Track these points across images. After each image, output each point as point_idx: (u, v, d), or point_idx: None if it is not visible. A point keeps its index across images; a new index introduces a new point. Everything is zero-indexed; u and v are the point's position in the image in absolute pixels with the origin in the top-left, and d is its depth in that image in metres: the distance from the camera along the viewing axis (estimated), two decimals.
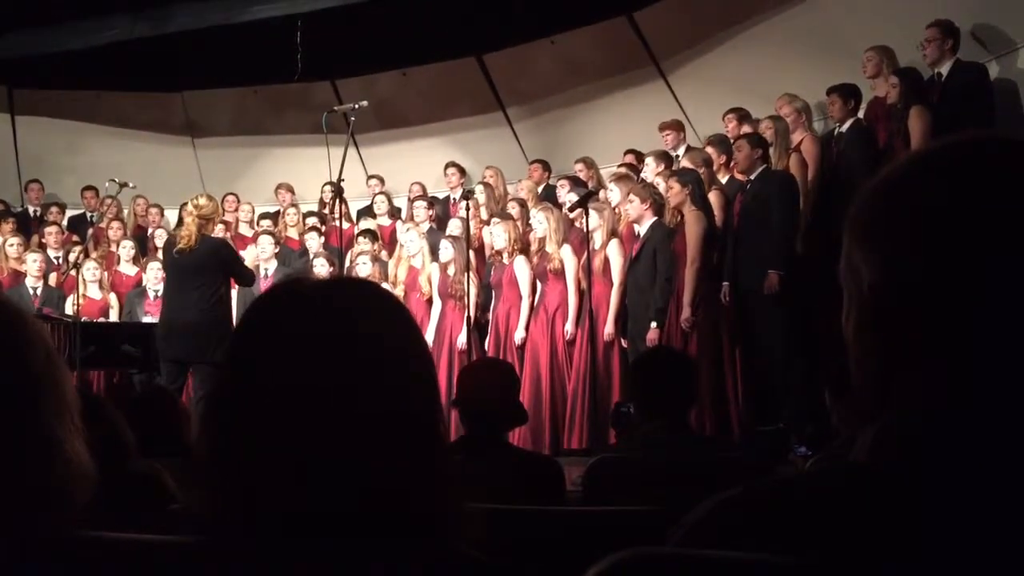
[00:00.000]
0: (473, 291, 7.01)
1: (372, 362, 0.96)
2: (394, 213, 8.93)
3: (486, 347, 7.07)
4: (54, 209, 9.41)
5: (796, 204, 6.01)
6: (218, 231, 8.26)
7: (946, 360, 0.73)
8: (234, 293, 7.74)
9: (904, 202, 0.76)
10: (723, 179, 6.64)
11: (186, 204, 6.18)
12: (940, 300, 0.73)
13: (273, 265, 7.95)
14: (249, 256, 8.33)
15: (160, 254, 7.04)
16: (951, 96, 5.80)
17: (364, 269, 7.48)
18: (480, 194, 8.00)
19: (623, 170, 7.42)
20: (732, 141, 6.50)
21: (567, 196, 7.38)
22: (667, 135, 7.71)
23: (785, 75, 7.32)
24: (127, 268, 8.48)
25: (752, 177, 6.09)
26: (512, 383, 3.04)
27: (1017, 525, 0.67)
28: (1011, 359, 0.71)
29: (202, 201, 6.07)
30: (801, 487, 0.76)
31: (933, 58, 5.96)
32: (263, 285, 7.82)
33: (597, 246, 6.54)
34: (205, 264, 5.93)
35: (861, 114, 6.45)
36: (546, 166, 8.62)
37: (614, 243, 6.54)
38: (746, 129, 6.88)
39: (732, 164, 6.85)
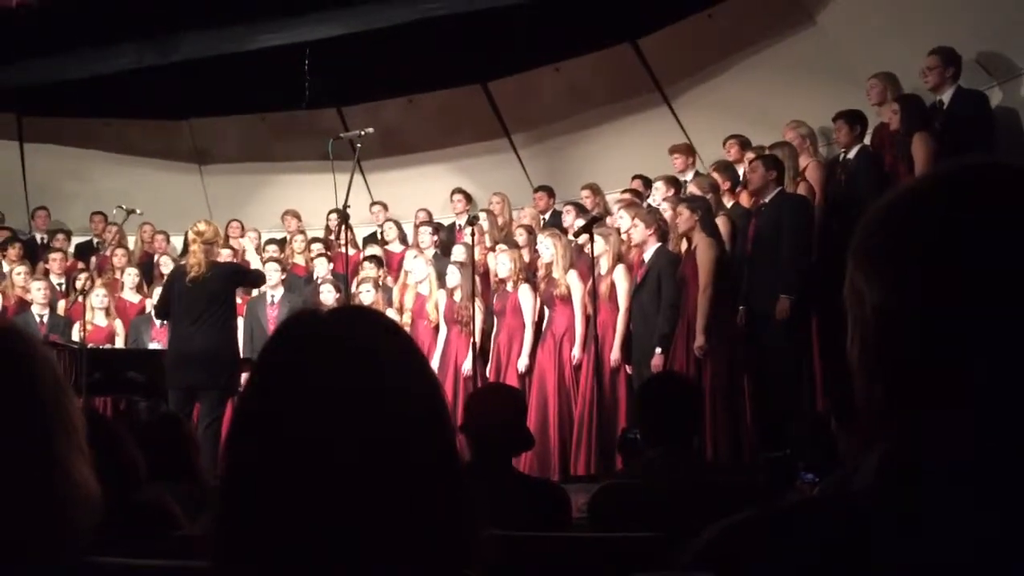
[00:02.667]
0: (479, 317, 7.02)
1: (384, 397, 0.96)
2: (404, 239, 8.95)
3: (487, 375, 7.07)
4: (60, 236, 9.45)
5: (809, 229, 6.00)
6: (225, 256, 8.30)
7: (949, 385, 0.73)
8: (240, 321, 7.78)
9: (906, 227, 0.77)
10: (728, 203, 6.65)
11: (188, 232, 6.24)
12: (942, 324, 0.73)
13: (280, 292, 7.97)
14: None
15: (165, 281, 7.06)
16: (953, 123, 5.82)
17: (367, 296, 7.49)
18: (484, 220, 8.03)
19: (628, 196, 7.44)
20: (748, 162, 6.50)
21: (574, 222, 7.40)
22: (676, 158, 7.74)
23: (790, 101, 7.35)
24: (131, 295, 8.51)
25: (766, 200, 6.09)
26: (519, 408, 3.04)
27: (1018, 548, 0.67)
28: (1014, 383, 0.71)
29: (202, 227, 6.14)
30: (806, 513, 0.76)
31: (934, 85, 5.99)
32: (270, 312, 7.84)
33: (603, 271, 6.54)
34: (216, 291, 5.96)
35: (867, 140, 6.47)
36: (551, 193, 8.65)
37: (620, 268, 6.54)
38: (749, 155, 6.90)
39: (737, 190, 6.87)
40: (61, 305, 8.15)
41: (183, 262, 6.51)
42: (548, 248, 6.83)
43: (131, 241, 9.48)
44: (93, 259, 8.98)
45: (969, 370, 0.72)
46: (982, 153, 5.42)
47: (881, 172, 6.11)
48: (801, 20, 7.66)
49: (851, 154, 6.32)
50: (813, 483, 4.87)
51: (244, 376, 6.18)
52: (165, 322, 6.68)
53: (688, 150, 7.86)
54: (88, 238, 9.77)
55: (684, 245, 6.11)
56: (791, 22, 7.71)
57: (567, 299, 6.72)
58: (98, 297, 7.91)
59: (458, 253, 7.64)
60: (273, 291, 7.97)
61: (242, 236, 9.40)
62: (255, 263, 8.72)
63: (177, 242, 9.19)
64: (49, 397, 1.02)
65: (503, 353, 6.96)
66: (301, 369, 0.98)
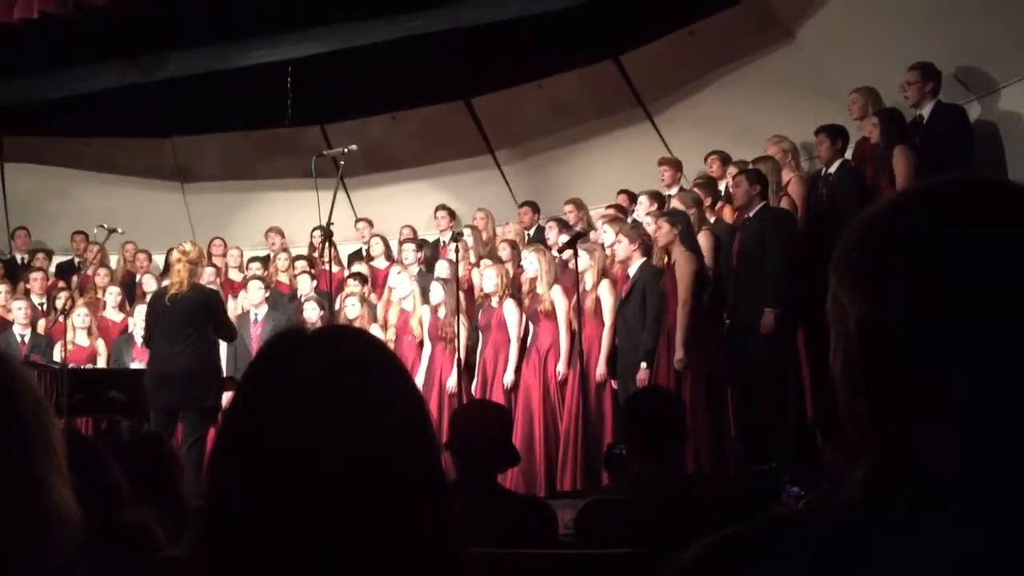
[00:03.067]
0: (463, 333, 7.01)
1: (370, 416, 0.96)
2: (390, 255, 8.94)
3: (473, 390, 7.06)
4: (40, 255, 9.39)
5: (793, 243, 6.03)
6: (208, 274, 8.27)
7: (931, 399, 0.73)
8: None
9: (887, 242, 0.77)
10: (710, 219, 6.68)
11: (172, 251, 6.22)
12: (923, 338, 0.73)
13: (264, 310, 7.93)
14: (240, 302, 8.32)
15: (147, 301, 7.02)
16: (932, 137, 5.88)
17: (352, 311, 7.47)
18: (469, 236, 8.03)
19: (612, 211, 7.47)
20: (732, 177, 6.53)
21: (558, 238, 7.41)
22: (665, 171, 7.78)
23: (771, 117, 7.40)
24: (113, 314, 8.46)
25: (751, 215, 6.12)
26: (505, 425, 3.03)
27: (998, 562, 0.67)
28: (998, 396, 0.71)
29: (188, 247, 6.13)
30: (791, 526, 0.76)
31: (914, 100, 6.05)
32: (253, 331, 7.80)
33: (588, 287, 6.55)
34: (195, 312, 5.94)
35: (849, 154, 6.52)
36: (535, 208, 8.67)
37: (605, 284, 6.56)
38: (731, 170, 6.94)
39: (718, 205, 6.91)
40: (42, 324, 8.09)
41: (164, 284, 6.49)
42: (532, 264, 6.84)
43: (113, 260, 9.43)
44: (75, 278, 8.92)
45: (950, 384, 0.72)
46: (962, 167, 5.49)
47: (863, 186, 6.16)
48: (781, 36, 7.73)
49: (832, 168, 6.37)
50: (799, 496, 4.88)
51: (227, 395, 6.18)
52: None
53: (676, 164, 7.91)
54: (69, 258, 9.71)
55: (666, 259, 6.14)
56: (771, 38, 7.78)
57: (551, 315, 6.72)
58: (80, 317, 7.86)
59: (441, 269, 7.63)
60: (257, 309, 7.94)
61: (225, 255, 9.37)
62: (238, 281, 8.70)
63: (160, 260, 9.15)
64: (29, 418, 1.01)
65: (489, 368, 6.95)
66: (286, 387, 0.98)
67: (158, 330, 6.12)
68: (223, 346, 7.83)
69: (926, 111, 6.01)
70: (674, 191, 7.54)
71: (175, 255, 6.12)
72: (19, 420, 1.00)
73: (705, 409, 5.73)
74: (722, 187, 7.17)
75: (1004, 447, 0.71)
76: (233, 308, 8.12)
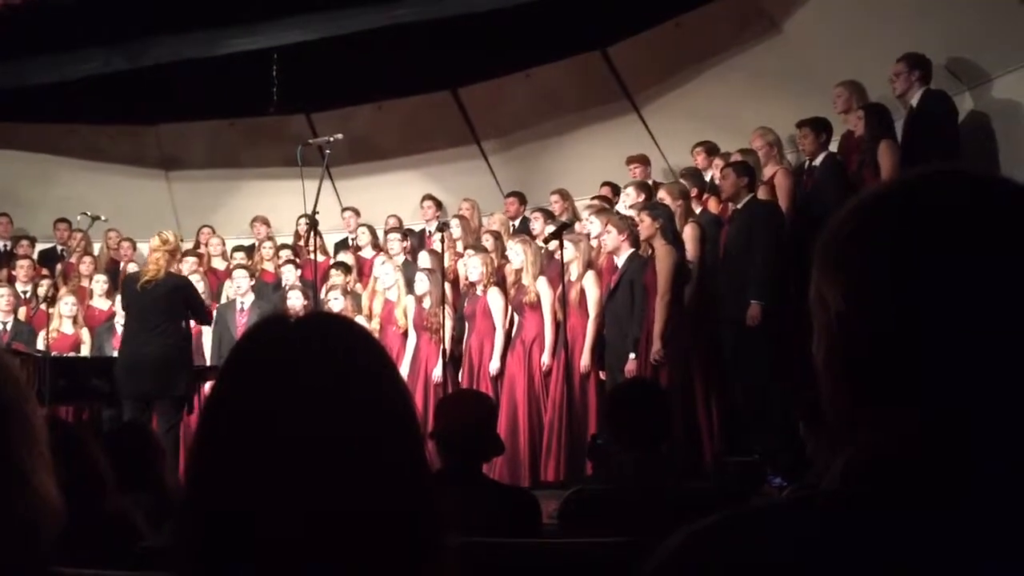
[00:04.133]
0: (448, 324, 7.01)
1: (354, 404, 0.95)
2: (377, 245, 8.92)
3: (460, 379, 7.06)
4: (24, 243, 9.32)
5: (779, 234, 6.05)
6: (190, 263, 8.24)
7: (913, 387, 0.74)
8: (208, 329, 7.71)
9: (864, 234, 0.78)
10: (696, 211, 6.69)
11: (152, 239, 6.23)
12: (905, 328, 0.74)
13: (250, 299, 7.90)
14: (226, 290, 8.29)
15: (121, 287, 7.01)
16: (920, 125, 5.90)
17: (336, 304, 7.46)
18: (455, 227, 8.02)
19: (598, 202, 7.47)
20: (719, 169, 6.55)
21: (543, 228, 7.41)
22: (635, 168, 7.84)
23: (757, 109, 7.41)
24: (100, 302, 8.41)
25: (738, 206, 6.13)
26: (489, 414, 3.04)
27: (989, 551, 0.68)
28: (978, 384, 0.72)
29: (169, 236, 6.12)
30: (774, 516, 0.76)
31: (902, 90, 6.07)
32: (239, 319, 7.78)
33: (573, 278, 6.56)
34: (170, 299, 5.93)
35: (834, 147, 6.54)
36: (522, 199, 8.66)
37: (590, 275, 6.56)
38: (717, 162, 6.95)
39: (704, 197, 6.92)
40: (23, 312, 8.04)
41: (138, 270, 6.48)
42: (518, 255, 6.84)
43: (96, 248, 9.37)
44: (59, 266, 8.86)
45: (935, 374, 0.73)
46: (949, 153, 5.49)
47: (847, 179, 6.18)
48: (767, 28, 7.74)
49: (817, 161, 6.39)
50: (781, 487, 4.91)
51: (210, 384, 6.16)
52: None
53: (645, 160, 7.99)
54: (51, 245, 9.64)
55: (650, 252, 6.15)
56: (757, 30, 7.79)
57: (536, 306, 6.72)
58: (67, 305, 7.82)
59: (424, 260, 7.62)
60: (243, 298, 7.91)
61: (207, 243, 9.33)
62: (221, 269, 8.66)
63: (144, 249, 9.10)
64: (9, 405, 1.00)
65: (475, 357, 6.95)
66: (268, 374, 0.97)
67: (129, 316, 6.11)
68: (207, 334, 7.81)
69: (914, 100, 6.02)
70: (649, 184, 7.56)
71: (154, 242, 6.12)
72: None
73: (679, 400, 5.76)
74: (708, 177, 7.19)
75: (976, 437, 0.71)
76: (209, 297, 8.10)
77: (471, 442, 2.81)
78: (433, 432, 2.82)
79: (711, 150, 7.35)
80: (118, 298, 7.74)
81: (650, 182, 7.59)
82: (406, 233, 8.62)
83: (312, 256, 6.97)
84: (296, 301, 7.50)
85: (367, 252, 8.81)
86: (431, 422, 2.93)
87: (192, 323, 6.44)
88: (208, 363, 7.53)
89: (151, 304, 5.90)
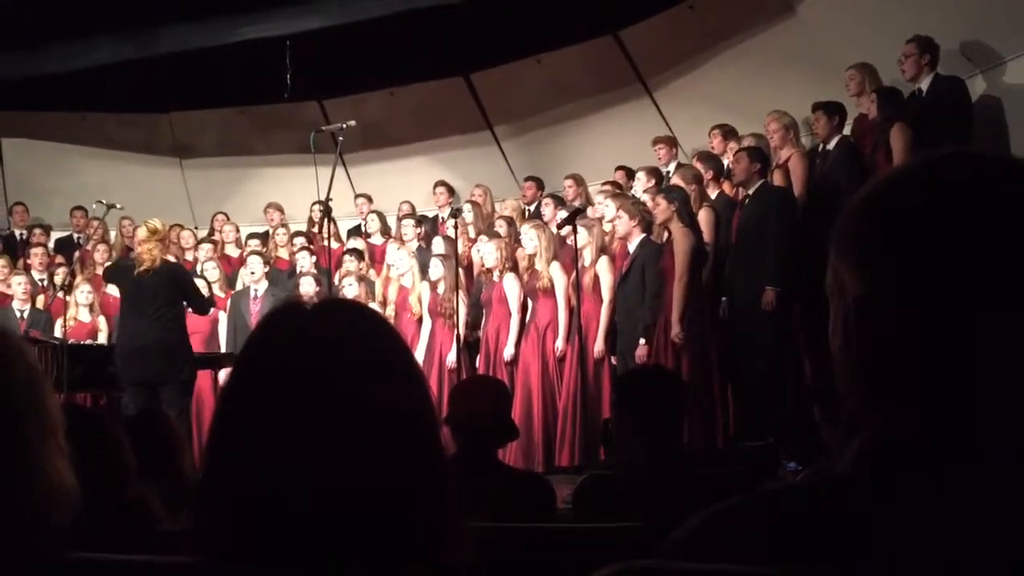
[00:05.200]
0: (463, 309, 7.01)
1: (370, 390, 0.96)
2: (386, 231, 8.93)
3: (476, 365, 7.07)
4: (38, 231, 9.37)
5: (793, 220, 6.02)
6: (206, 250, 8.26)
7: (929, 373, 0.74)
8: (223, 316, 7.74)
9: (881, 217, 0.77)
10: (712, 194, 6.67)
11: (140, 228, 6.26)
12: (922, 313, 0.74)
13: (264, 286, 7.93)
14: (240, 277, 8.32)
15: (109, 276, 7.03)
16: (930, 110, 5.86)
17: (351, 290, 7.47)
18: (468, 213, 8.02)
19: (611, 187, 7.45)
20: (733, 154, 6.51)
21: (555, 214, 7.40)
22: (660, 149, 7.74)
23: (770, 92, 7.37)
24: (115, 290, 8.44)
25: (750, 192, 6.11)
26: (503, 399, 3.04)
27: (995, 536, 0.68)
28: (994, 371, 0.72)
29: (156, 224, 6.14)
30: (789, 499, 0.76)
31: (912, 74, 6.04)
32: (253, 306, 7.81)
33: (586, 263, 6.55)
34: (167, 287, 5.97)
35: (847, 131, 6.49)
36: (540, 184, 8.63)
37: (603, 260, 6.55)
38: (732, 145, 6.91)
39: (721, 180, 6.89)
40: (41, 300, 8.09)
41: (130, 259, 6.52)
42: (532, 240, 6.83)
43: (111, 236, 9.41)
44: (76, 254, 8.91)
45: (951, 360, 0.73)
46: (961, 139, 5.46)
47: (861, 163, 6.14)
48: (781, 11, 7.68)
49: (831, 145, 6.35)
50: (796, 472, 4.90)
51: (225, 371, 6.19)
52: None
53: (671, 141, 7.87)
54: (68, 233, 9.69)
55: (666, 236, 6.13)
56: (771, 13, 7.73)
57: (550, 291, 6.72)
58: (83, 293, 7.87)
59: (438, 245, 7.62)
60: (256, 285, 7.94)
61: (221, 230, 9.36)
62: (235, 256, 8.68)
63: None
64: (22, 393, 1.01)
65: (492, 343, 6.96)
66: (285, 361, 0.98)
67: (126, 304, 6.14)
68: (223, 322, 7.85)
69: (924, 84, 5.99)
70: (672, 167, 7.51)
71: (142, 233, 6.15)
72: (13, 394, 1.00)
73: (698, 385, 5.76)
74: (725, 162, 7.15)
75: (986, 426, 0.71)
76: (224, 284, 8.14)
77: (485, 427, 2.81)
78: (447, 418, 2.82)
79: (728, 133, 7.30)
80: None
81: (671, 167, 7.52)
82: (420, 219, 8.62)
83: (326, 243, 6.98)
84: (309, 288, 7.52)
85: (377, 239, 8.82)
86: (445, 407, 2.94)
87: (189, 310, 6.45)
88: (224, 350, 7.57)
89: (150, 292, 5.94)
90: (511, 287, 6.91)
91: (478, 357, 7.11)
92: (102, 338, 7.88)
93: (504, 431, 2.92)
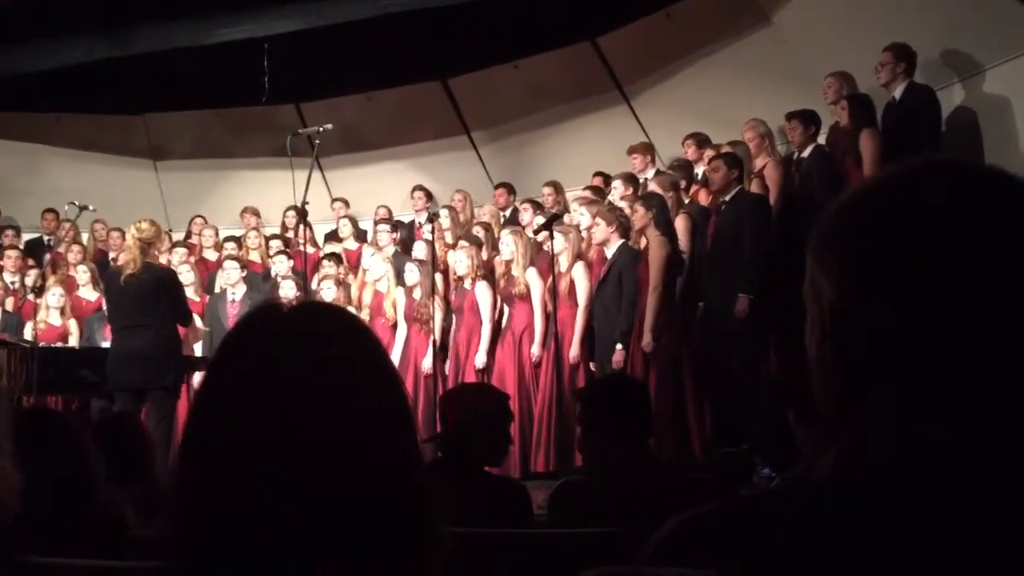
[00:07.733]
0: (439, 315, 7.00)
1: (347, 394, 0.95)
2: (360, 236, 8.90)
3: (447, 371, 7.05)
4: (9, 232, 9.26)
5: (767, 227, 6.06)
6: (180, 254, 8.19)
7: (904, 380, 0.74)
8: (199, 321, 7.66)
9: (860, 224, 0.78)
10: (685, 202, 6.70)
11: (129, 229, 6.20)
12: (896, 320, 0.74)
13: (241, 290, 7.87)
14: (218, 281, 8.25)
15: (103, 281, 6.98)
16: (903, 118, 5.94)
17: (328, 294, 7.44)
18: (445, 217, 8.01)
19: (588, 193, 7.46)
20: (710, 161, 6.54)
21: (532, 219, 7.40)
22: (635, 158, 7.76)
23: (748, 100, 7.42)
24: (87, 293, 8.36)
25: (727, 199, 6.14)
26: (505, 417, 2.97)
27: (976, 545, 0.68)
28: (968, 378, 0.72)
29: (144, 225, 6.07)
30: (763, 506, 0.76)
31: (886, 80, 6.11)
32: (230, 310, 7.75)
33: (563, 269, 6.56)
34: (153, 290, 5.90)
35: (822, 139, 6.55)
36: (511, 190, 8.64)
37: (579, 266, 6.57)
38: (708, 153, 6.95)
39: (693, 190, 6.92)
40: (11, 302, 7.99)
41: (119, 264, 6.45)
42: (508, 246, 6.83)
43: (83, 238, 9.32)
44: (47, 256, 8.81)
45: (926, 367, 0.73)
46: (931, 148, 5.51)
47: (835, 171, 6.20)
48: (757, 20, 7.74)
49: (805, 153, 6.41)
50: (771, 478, 4.92)
51: (199, 375, 6.13)
52: None
53: (647, 149, 7.89)
54: (38, 235, 9.59)
55: (643, 242, 6.15)
56: (748, 22, 7.79)
57: (526, 297, 6.72)
58: (55, 296, 7.78)
59: (419, 250, 7.61)
60: (234, 289, 7.88)
61: (200, 233, 9.29)
62: (212, 260, 8.61)
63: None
64: None
65: (462, 351, 6.95)
66: (260, 363, 0.96)
67: (113, 311, 6.09)
68: (200, 326, 7.78)
69: (898, 92, 6.06)
70: (649, 174, 7.53)
71: (132, 232, 6.09)
72: None
73: (670, 393, 5.77)
74: (698, 171, 7.19)
75: (966, 432, 0.72)
76: (200, 288, 8.07)
77: (484, 443, 2.79)
78: (443, 418, 2.79)
79: (702, 142, 7.34)
80: None
81: (648, 174, 7.53)
82: (396, 224, 8.59)
83: (302, 247, 6.94)
84: (289, 291, 7.47)
85: (350, 243, 8.79)
86: (420, 412, 2.92)
87: None
88: (199, 354, 7.51)
89: (136, 297, 5.88)
90: (483, 295, 6.91)
91: (447, 364, 7.09)
92: (73, 341, 7.80)
93: (498, 450, 2.89)
